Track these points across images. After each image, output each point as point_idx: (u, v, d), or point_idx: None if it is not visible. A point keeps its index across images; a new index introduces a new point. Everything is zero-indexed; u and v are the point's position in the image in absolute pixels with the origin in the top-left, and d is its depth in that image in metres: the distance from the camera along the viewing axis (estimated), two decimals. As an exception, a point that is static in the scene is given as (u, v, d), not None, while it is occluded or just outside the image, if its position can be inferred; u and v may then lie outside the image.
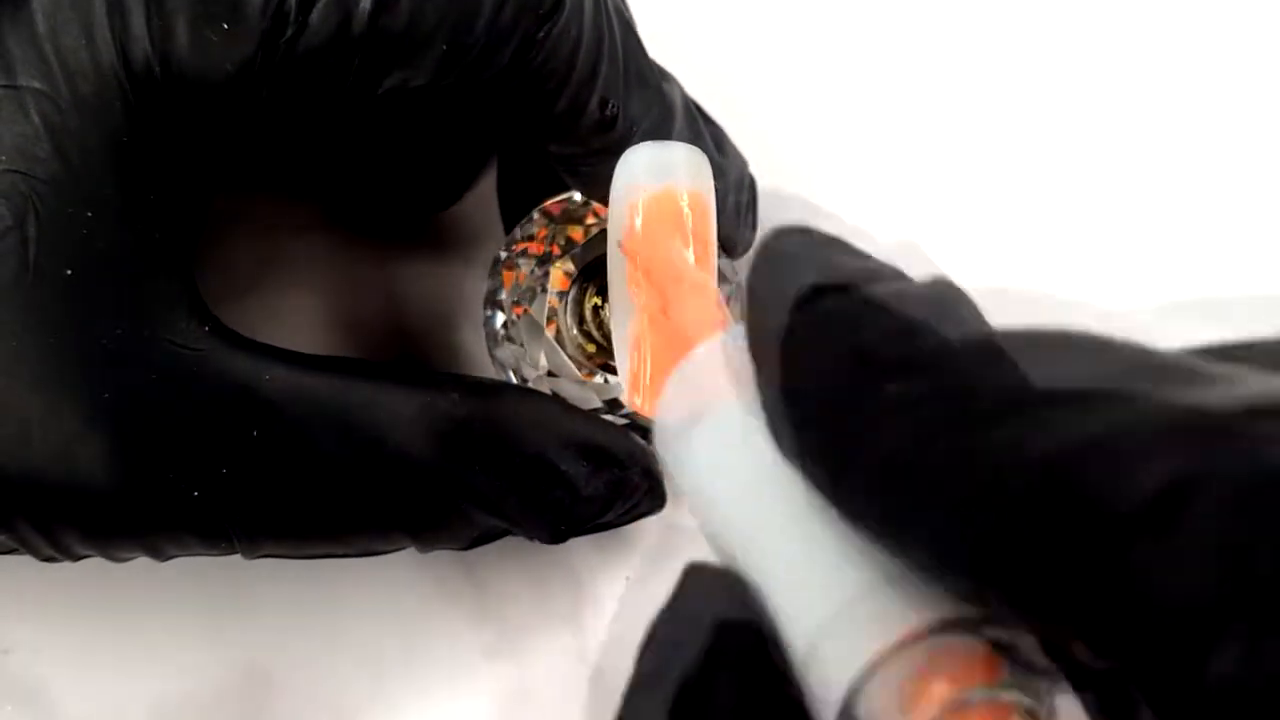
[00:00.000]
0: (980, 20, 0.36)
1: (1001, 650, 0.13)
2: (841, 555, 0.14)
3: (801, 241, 0.15)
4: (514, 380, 0.27)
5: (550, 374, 0.27)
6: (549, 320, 0.27)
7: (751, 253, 0.15)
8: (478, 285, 0.30)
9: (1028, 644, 0.13)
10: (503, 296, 0.27)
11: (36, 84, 0.21)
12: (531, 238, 0.27)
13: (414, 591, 0.29)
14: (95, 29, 0.21)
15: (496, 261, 0.28)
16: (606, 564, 0.30)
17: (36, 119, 0.21)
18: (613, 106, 0.24)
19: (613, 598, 0.30)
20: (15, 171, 0.21)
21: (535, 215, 0.27)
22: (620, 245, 0.21)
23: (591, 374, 0.27)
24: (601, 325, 0.27)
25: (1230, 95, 0.36)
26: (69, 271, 0.21)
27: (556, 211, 0.28)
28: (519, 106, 0.24)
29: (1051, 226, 0.34)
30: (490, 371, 0.28)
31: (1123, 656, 0.11)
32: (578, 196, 0.27)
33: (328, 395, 0.22)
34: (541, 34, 0.22)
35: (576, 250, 0.27)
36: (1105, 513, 0.11)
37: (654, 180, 0.22)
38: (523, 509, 0.24)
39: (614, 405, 0.27)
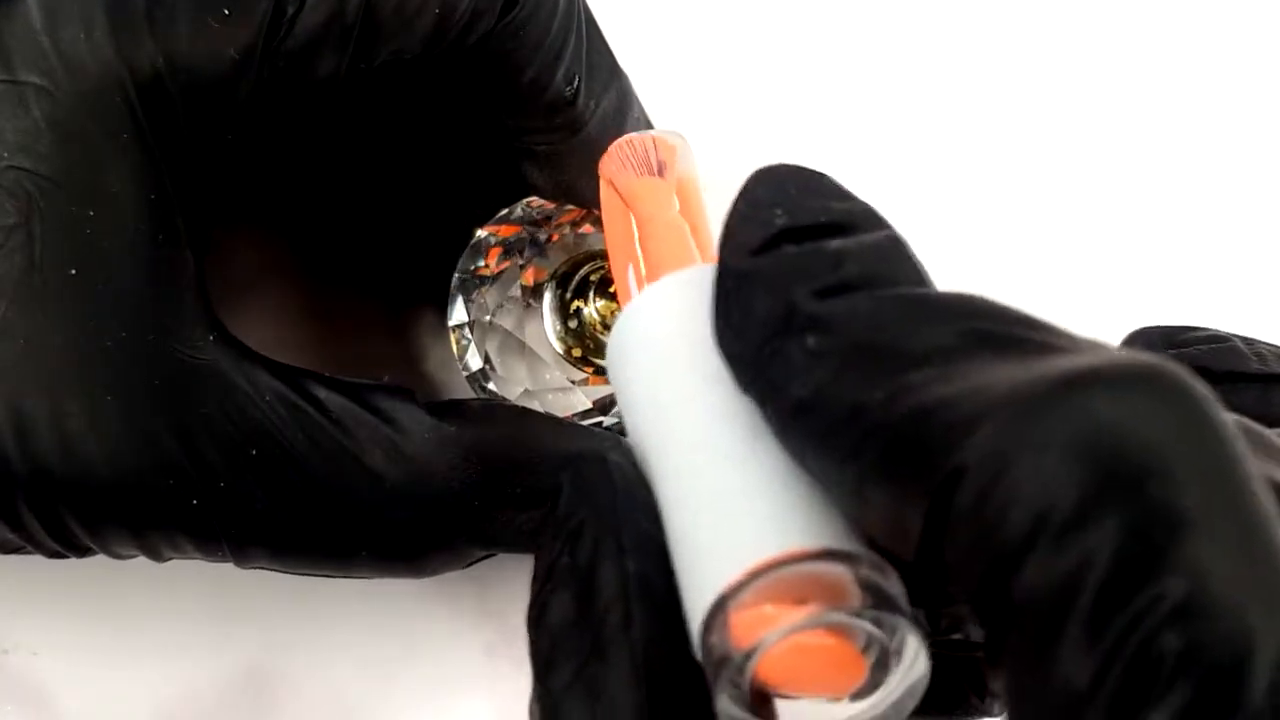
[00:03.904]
0: (973, 26, 0.36)
1: (868, 588, 0.14)
2: (753, 474, 0.15)
3: (780, 181, 0.16)
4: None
5: (528, 391, 0.27)
6: (526, 332, 0.27)
7: (736, 192, 0.16)
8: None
9: (896, 588, 0.14)
10: (469, 319, 0.27)
11: (36, 79, 0.20)
12: (484, 256, 0.27)
13: (414, 591, 0.29)
14: (94, 22, 0.20)
15: (456, 287, 0.27)
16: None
17: (37, 114, 0.20)
18: (577, 82, 0.24)
19: (614, 597, 0.30)
20: (19, 168, 0.20)
21: (483, 235, 0.27)
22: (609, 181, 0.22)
23: (581, 376, 0.27)
24: (582, 325, 0.27)
25: (1228, 103, 0.35)
26: (73, 271, 0.20)
27: (507, 234, 0.27)
28: (489, 76, 0.24)
29: (1042, 237, 0.34)
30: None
31: (951, 575, 0.13)
32: (519, 210, 0.27)
33: (329, 423, 0.22)
34: None
35: (545, 258, 0.27)
36: (943, 466, 0.13)
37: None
38: (520, 538, 0.24)
39: (604, 407, 0.27)
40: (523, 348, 0.27)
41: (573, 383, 0.27)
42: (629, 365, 0.17)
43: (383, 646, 0.29)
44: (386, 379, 0.24)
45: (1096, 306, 0.33)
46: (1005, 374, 0.13)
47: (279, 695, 0.28)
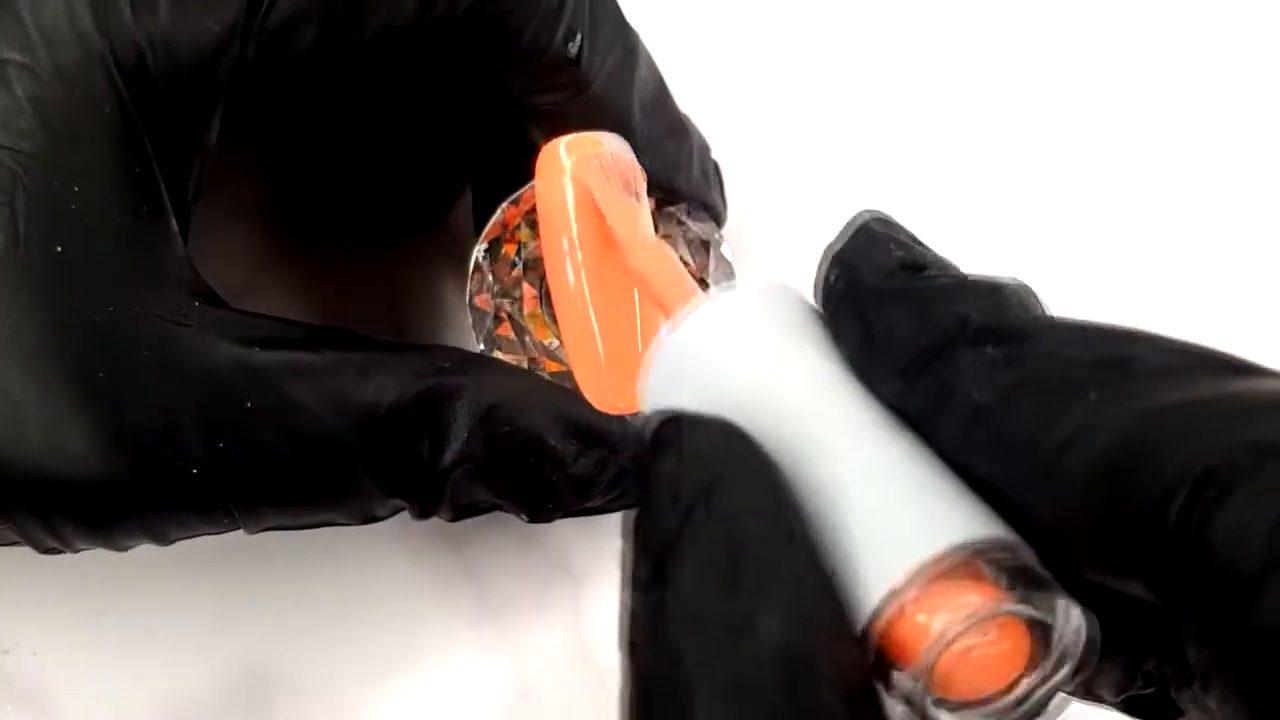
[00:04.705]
0: (975, 28, 0.36)
1: (1007, 571, 0.14)
2: (898, 461, 0.15)
3: (880, 222, 0.17)
4: None
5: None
6: (532, 314, 0.27)
7: (846, 230, 0.17)
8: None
9: (1032, 560, 0.14)
10: (485, 296, 0.27)
11: (17, 56, 0.20)
12: (504, 235, 0.27)
13: (414, 591, 0.29)
14: None
15: (476, 262, 0.27)
16: (607, 564, 0.30)
17: (19, 91, 0.20)
18: (578, 40, 0.24)
19: (613, 598, 0.30)
20: (1, 146, 0.20)
21: (506, 207, 0.27)
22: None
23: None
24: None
25: (1229, 103, 0.36)
26: (58, 248, 0.21)
27: (525, 207, 0.27)
28: (487, 38, 0.24)
29: (1047, 233, 0.34)
30: None
31: (1179, 599, 0.12)
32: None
33: (320, 364, 0.22)
34: None
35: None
36: (1165, 485, 0.12)
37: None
38: (509, 482, 0.24)
39: None
40: (524, 331, 0.27)
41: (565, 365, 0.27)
42: (715, 371, 0.16)
43: (382, 646, 0.29)
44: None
45: (1100, 305, 0.34)
46: (1236, 388, 0.12)
47: (279, 695, 0.28)
